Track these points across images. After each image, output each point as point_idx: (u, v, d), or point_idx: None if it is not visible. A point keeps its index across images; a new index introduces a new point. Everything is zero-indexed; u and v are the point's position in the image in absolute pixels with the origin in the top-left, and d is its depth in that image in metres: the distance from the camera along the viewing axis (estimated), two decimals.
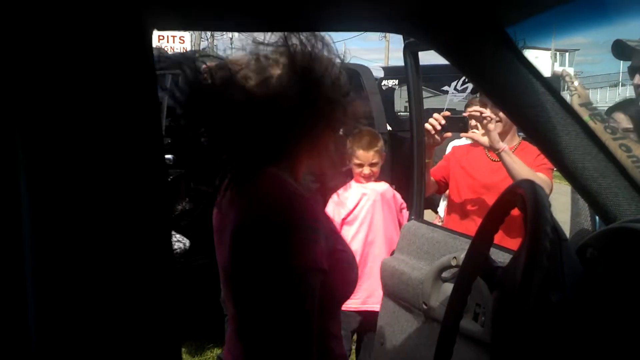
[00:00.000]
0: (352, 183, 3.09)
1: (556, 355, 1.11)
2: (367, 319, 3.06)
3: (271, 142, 1.18)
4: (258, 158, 1.19)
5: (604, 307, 1.11)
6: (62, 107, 0.80)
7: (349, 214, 3.04)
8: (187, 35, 15.74)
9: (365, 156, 3.03)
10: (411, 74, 2.49)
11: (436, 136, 2.58)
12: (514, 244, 1.27)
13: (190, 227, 3.65)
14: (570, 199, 2.56)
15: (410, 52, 2.45)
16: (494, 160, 2.69)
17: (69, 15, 0.79)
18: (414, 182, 2.59)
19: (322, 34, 1.24)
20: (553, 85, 1.38)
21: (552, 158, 1.42)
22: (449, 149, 3.37)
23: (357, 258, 2.24)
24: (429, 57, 2.28)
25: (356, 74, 4.84)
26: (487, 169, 2.71)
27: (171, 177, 3.84)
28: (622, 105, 2.65)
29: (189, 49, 14.52)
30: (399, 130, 5.32)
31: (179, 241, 3.49)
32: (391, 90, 6.47)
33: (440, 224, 3.54)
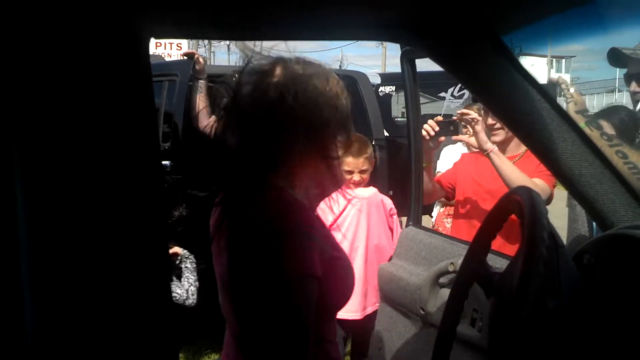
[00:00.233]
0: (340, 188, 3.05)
1: None
2: (355, 324, 3.08)
3: (268, 152, 1.19)
4: (257, 167, 1.20)
5: (600, 314, 1.12)
6: (59, 113, 0.80)
7: (335, 220, 3.02)
8: (184, 42, 15.76)
9: (355, 163, 3.02)
10: (408, 81, 2.50)
11: (430, 143, 2.61)
12: (514, 250, 1.27)
13: (187, 233, 3.65)
14: (567, 205, 2.58)
15: (408, 60, 2.46)
16: None
17: (66, 22, 0.80)
18: (411, 188, 2.59)
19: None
20: (549, 92, 1.39)
21: (549, 165, 1.43)
22: (443, 153, 3.38)
23: None
24: (426, 64, 2.29)
25: (353, 81, 4.85)
26: (492, 175, 2.72)
27: (168, 183, 3.84)
28: (606, 113, 2.66)
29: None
30: (396, 136, 5.32)
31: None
32: (388, 96, 6.48)
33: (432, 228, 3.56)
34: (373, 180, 3.29)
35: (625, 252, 1.19)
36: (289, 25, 1.32)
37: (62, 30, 0.79)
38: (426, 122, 2.61)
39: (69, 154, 0.81)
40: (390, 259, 2.59)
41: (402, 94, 3.29)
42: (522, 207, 1.14)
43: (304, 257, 1.12)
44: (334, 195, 1.38)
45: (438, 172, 3.57)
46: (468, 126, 2.65)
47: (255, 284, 1.11)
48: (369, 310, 3.08)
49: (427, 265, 2.24)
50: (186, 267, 3.47)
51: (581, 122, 2.03)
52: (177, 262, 3.48)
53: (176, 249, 3.49)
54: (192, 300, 3.46)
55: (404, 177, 2.82)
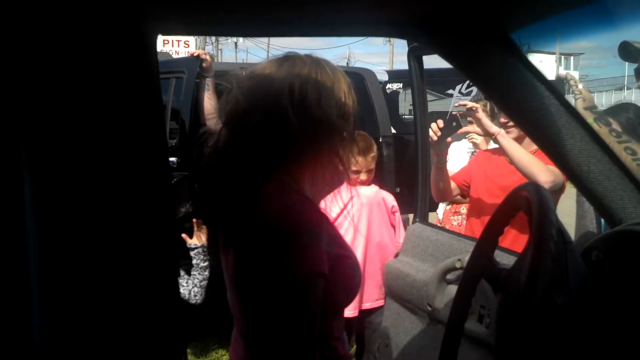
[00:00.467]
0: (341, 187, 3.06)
1: (561, 358, 1.11)
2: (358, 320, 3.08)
3: (273, 147, 1.19)
4: (262, 163, 1.20)
5: (609, 310, 1.11)
6: (67, 110, 0.80)
7: (336, 218, 3.02)
8: (191, 39, 15.78)
9: (364, 163, 3.03)
10: (415, 78, 2.50)
11: (440, 145, 2.61)
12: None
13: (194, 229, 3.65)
14: (575, 202, 2.56)
15: (415, 56, 2.46)
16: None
17: (74, 19, 0.80)
18: (418, 185, 2.59)
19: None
20: (557, 88, 1.38)
21: (557, 161, 1.42)
22: (449, 150, 3.38)
23: None
24: (434, 61, 2.29)
25: (361, 78, 4.85)
26: (505, 171, 2.72)
27: (175, 179, 3.85)
28: (614, 110, 2.64)
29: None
30: (404, 134, 5.32)
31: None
32: (395, 93, 6.47)
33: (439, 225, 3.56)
34: (380, 177, 3.30)
35: (633, 249, 1.19)
36: (295, 21, 1.32)
37: (70, 27, 0.80)
38: (434, 120, 2.61)
39: (77, 150, 0.81)
40: (396, 256, 2.59)
41: (409, 91, 3.29)
42: (530, 204, 1.14)
43: (311, 255, 1.12)
44: (335, 192, 1.38)
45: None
46: (470, 117, 2.66)
47: (262, 281, 1.11)
48: (367, 306, 3.10)
49: (434, 262, 2.24)
50: (197, 263, 3.42)
51: (590, 118, 2.02)
52: (192, 254, 3.41)
53: (193, 240, 3.41)
54: (195, 300, 3.43)
55: (411, 175, 2.83)
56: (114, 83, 0.83)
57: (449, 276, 2.10)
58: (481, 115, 2.57)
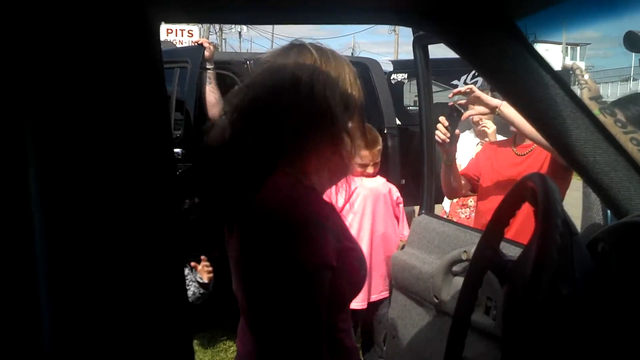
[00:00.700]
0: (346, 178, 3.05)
1: (567, 349, 1.11)
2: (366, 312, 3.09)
3: (279, 138, 1.19)
4: (268, 153, 1.19)
5: (615, 302, 1.11)
6: (70, 102, 0.80)
7: (340, 210, 3.02)
8: (195, 29, 15.74)
9: (371, 155, 3.03)
10: (421, 68, 2.49)
11: (450, 141, 2.59)
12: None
13: (200, 221, 3.65)
14: (581, 194, 2.55)
15: (420, 45, 2.45)
16: (518, 154, 2.71)
17: (76, 8, 0.79)
18: (423, 176, 2.59)
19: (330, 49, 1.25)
20: (563, 78, 1.38)
21: (563, 152, 1.42)
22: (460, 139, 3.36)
23: None
24: (439, 51, 2.28)
25: (365, 68, 4.83)
26: (511, 162, 2.71)
27: (180, 170, 3.85)
28: (620, 101, 2.62)
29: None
30: (409, 125, 5.30)
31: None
32: (400, 84, 6.44)
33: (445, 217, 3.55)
34: (385, 169, 3.30)
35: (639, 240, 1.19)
36: (299, 8, 1.31)
37: (72, 16, 0.79)
38: (439, 111, 2.60)
39: (81, 143, 0.81)
40: (402, 247, 2.59)
41: (414, 82, 3.27)
42: (535, 194, 1.13)
43: (319, 247, 1.12)
44: (340, 184, 1.38)
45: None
46: (469, 102, 2.62)
47: (268, 272, 1.11)
48: (374, 298, 3.10)
49: (440, 254, 2.24)
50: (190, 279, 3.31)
51: (595, 108, 2.00)
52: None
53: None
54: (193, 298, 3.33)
55: (416, 166, 2.82)
56: (117, 72, 0.82)
57: (455, 268, 2.10)
58: (478, 93, 2.53)
